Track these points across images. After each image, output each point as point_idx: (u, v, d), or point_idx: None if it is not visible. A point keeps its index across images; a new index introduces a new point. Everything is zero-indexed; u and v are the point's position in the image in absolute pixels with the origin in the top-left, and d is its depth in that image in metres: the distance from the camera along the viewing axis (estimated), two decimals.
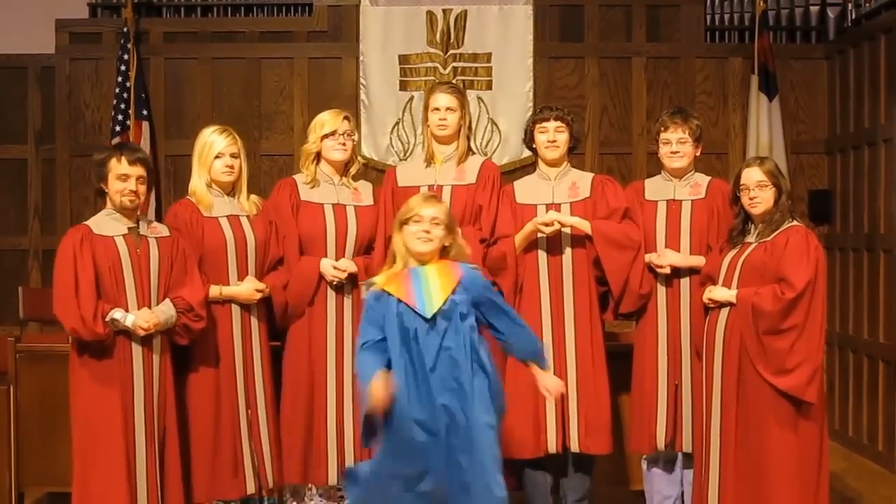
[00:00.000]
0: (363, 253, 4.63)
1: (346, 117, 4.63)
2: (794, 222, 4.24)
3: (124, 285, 4.11)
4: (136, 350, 4.11)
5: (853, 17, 6.83)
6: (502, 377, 3.92)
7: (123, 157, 4.17)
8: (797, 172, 7.01)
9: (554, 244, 4.49)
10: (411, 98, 6.94)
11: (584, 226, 4.46)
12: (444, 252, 3.69)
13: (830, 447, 6.49)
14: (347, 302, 4.57)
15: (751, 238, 4.27)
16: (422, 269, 3.65)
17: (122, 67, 6.78)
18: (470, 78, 6.97)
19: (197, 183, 4.48)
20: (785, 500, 4.08)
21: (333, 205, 4.61)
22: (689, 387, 4.47)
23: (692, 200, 4.55)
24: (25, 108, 7.11)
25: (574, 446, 4.45)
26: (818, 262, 4.12)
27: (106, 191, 4.21)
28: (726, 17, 7.19)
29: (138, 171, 4.17)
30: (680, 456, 4.58)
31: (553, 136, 4.56)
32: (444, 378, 3.55)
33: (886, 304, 6.13)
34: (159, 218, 5.78)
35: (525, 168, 6.68)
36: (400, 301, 3.61)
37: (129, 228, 4.18)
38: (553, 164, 4.62)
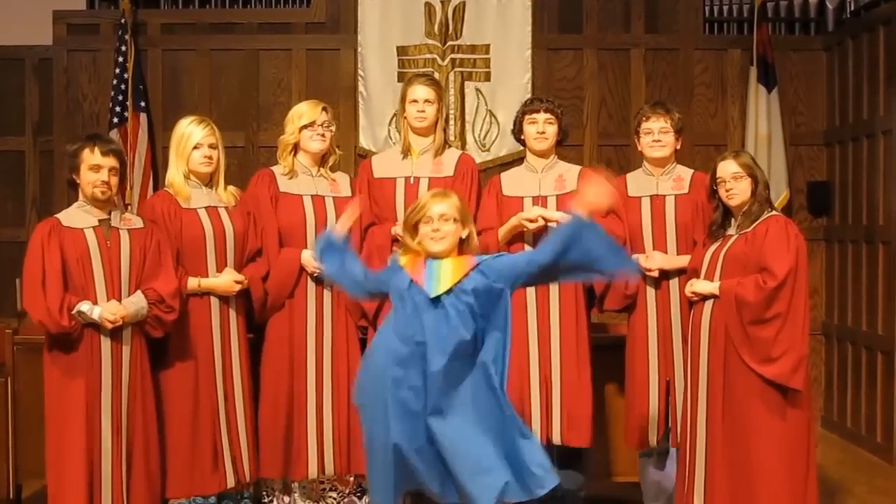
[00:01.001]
0: None
1: (324, 108, 4.62)
2: (774, 212, 4.27)
3: (94, 278, 4.08)
4: (105, 343, 4.08)
5: (852, 8, 6.82)
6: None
7: (96, 148, 4.13)
8: (796, 164, 7.01)
9: (539, 238, 4.48)
10: None
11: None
12: (461, 246, 3.66)
13: (829, 438, 6.58)
14: (328, 294, 4.57)
15: (731, 230, 4.29)
16: (437, 260, 3.62)
17: (120, 59, 6.76)
18: (468, 69, 6.96)
19: (174, 174, 4.46)
20: (773, 488, 4.09)
21: (312, 196, 4.60)
22: (682, 382, 4.46)
23: (676, 195, 4.56)
24: (23, 99, 7.09)
25: (556, 439, 4.47)
26: (798, 251, 4.13)
27: (78, 182, 4.18)
28: (725, 8, 7.17)
29: (111, 162, 4.13)
30: (673, 450, 4.59)
31: (542, 127, 4.57)
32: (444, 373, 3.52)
33: (885, 295, 6.14)
34: None
35: (523, 160, 6.67)
36: (412, 282, 3.59)
37: (99, 220, 4.14)
38: (541, 155, 4.62)
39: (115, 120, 6.74)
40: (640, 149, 4.66)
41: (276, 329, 4.57)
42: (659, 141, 4.56)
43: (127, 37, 6.77)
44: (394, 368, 3.52)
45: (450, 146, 4.83)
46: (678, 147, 4.64)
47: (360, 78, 6.98)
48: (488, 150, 6.94)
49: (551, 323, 4.50)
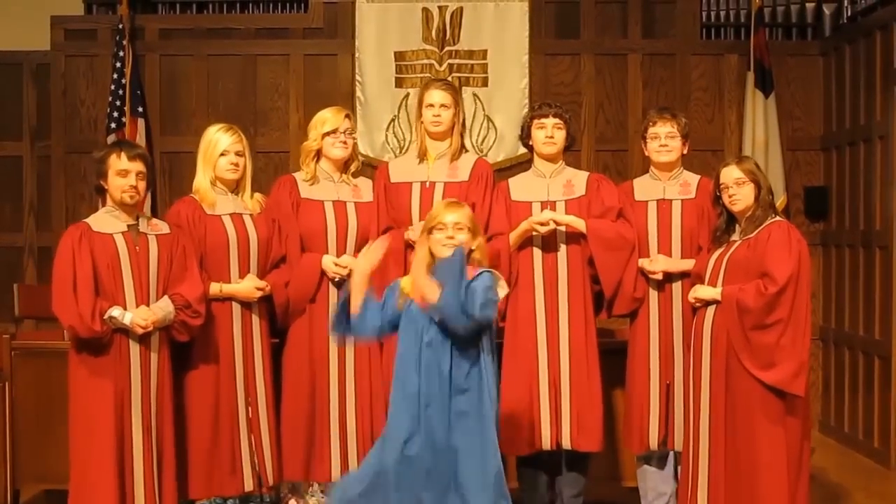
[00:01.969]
0: None
1: (347, 115, 4.65)
2: (777, 217, 4.27)
3: (123, 283, 4.12)
4: (134, 347, 4.12)
5: (849, 13, 6.84)
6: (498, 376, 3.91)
7: (123, 153, 4.18)
8: (793, 169, 7.02)
9: (549, 242, 4.50)
10: (407, 95, 6.94)
11: (579, 224, 4.47)
12: (470, 257, 3.70)
13: (826, 443, 6.59)
14: None
15: (735, 236, 4.29)
16: None
17: (118, 64, 6.77)
18: (466, 75, 6.97)
19: (201, 180, 4.50)
20: (775, 493, 4.09)
21: (334, 202, 4.62)
22: (682, 386, 4.47)
23: (682, 200, 4.56)
24: (21, 104, 7.11)
25: (566, 443, 4.47)
26: (800, 256, 4.13)
27: (105, 188, 4.21)
28: (722, 13, 7.19)
29: (138, 166, 4.18)
30: (672, 454, 4.60)
31: (551, 132, 4.57)
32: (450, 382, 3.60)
33: (881, 300, 6.14)
34: (155, 214, 5.79)
35: (521, 165, 6.65)
36: (412, 301, 3.66)
37: (128, 226, 4.19)
38: (549, 160, 4.62)
39: (113, 125, 6.75)
40: (646, 153, 4.67)
41: (297, 334, 4.59)
42: (665, 146, 4.57)
43: (124, 42, 6.78)
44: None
45: (467, 151, 4.83)
46: (685, 152, 4.65)
47: (357, 83, 6.99)
48: (485, 155, 6.92)
49: (560, 327, 4.49)
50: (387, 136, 6.94)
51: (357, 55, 6.98)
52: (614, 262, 4.50)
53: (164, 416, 4.21)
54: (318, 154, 4.66)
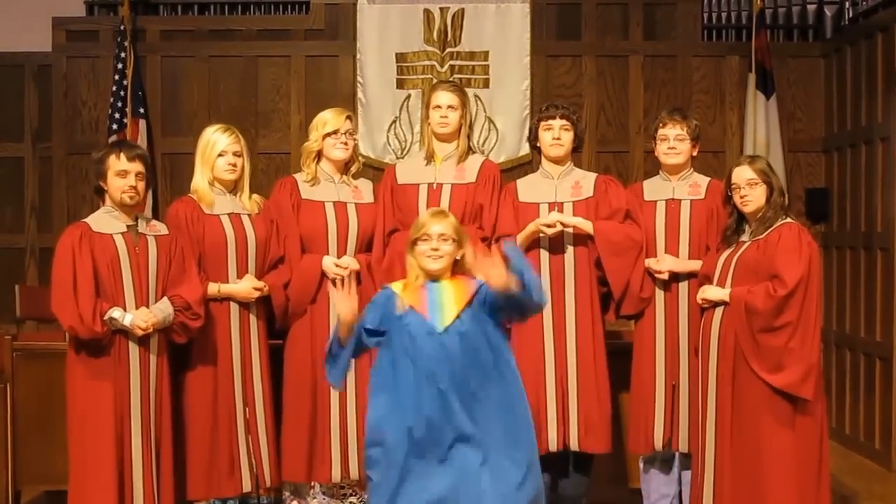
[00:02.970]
0: (365, 250, 4.64)
1: (348, 116, 4.65)
2: (788, 219, 4.25)
3: (122, 284, 4.10)
4: (133, 349, 4.11)
5: (850, 15, 6.84)
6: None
7: (122, 154, 4.16)
8: (794, 171, 7.02)
9: (556, 243, 4.50)
10: (408, 96, 6.94)
11: (587, 226, 4.47)
12: (456, 266, 3.67)
13: None
14: None
15: (745, 237, 4.27)
16: (437, 284, 3.64)
17: (119, 65, 6.77)
18: (467, 76, 6.97)
19: (199, 181, 4.49)
20: (782, 498, 4.07)
21: (334, 203, 4.62)
22: (687, 387, 4.47)
23: (691, 200, 4.56)
24: (22, 106, 7.10)
25: (574, 445, 4.46)
26: (811, 259, 4.11)
27: (105, 188, 4.20)
28: (723, 15, 7.20)
29: (137, 167, 4.16)
30: (677, 455, 4.59)
31: (558, 133, 4.57)
32: (456, 392, 3.53)
33: (883, 301, 6.14)
34: (157, 216, 5.79)
35: (522, 167, 6.70)
36: (411, 309, 3.60)
37: (127, 226, 4.18)
38: (557, 161, 4.62)
39: (115, 126, 6.75)
40: (656, 154, 4.66)
41: (298, 335, 4.58)
42: (674, 148, 4.57)
43: (126, 43, 6.78)
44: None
45: (474, 152, 4.82)
46: (695, 154, 4.64)
47: (358, 85, 6.99)
48: (486, 157, 6.93)
49: (567, 328, 4.49)
50: (388, 137, 6.94)
51: (358, 57, 6.99)
52: (622, 264, 4.49)
53: (163, 418, 4.20)
54: (319, 155, 4.66)
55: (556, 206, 4.54)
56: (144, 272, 4.15)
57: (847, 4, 6.88)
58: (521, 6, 6.97)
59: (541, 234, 4.48)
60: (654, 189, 4.65)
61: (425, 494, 3.48)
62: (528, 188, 4.65)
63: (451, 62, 6.97)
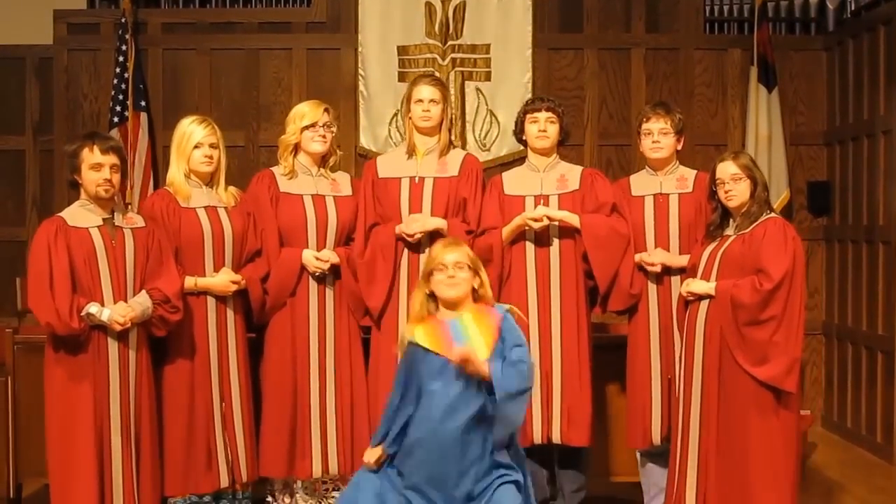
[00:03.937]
0: (343, 243, 4.64)
1: (326, 109, 4.62)
2: (772, 214, 4.26)
3: (100, 278, 4.06)
4: (112, 345, 4.07)
5: (852, 8, 6.82)
6: None
7: (96, 146, 4.10)
8: (796, 164, 7.01)
9: (542, 236, 4.51)
10: None
11: (573, 219, 4.47)
12: (475, 294, 3.64)
13: (829, 438, 6.60)
14: (330, 293, 4.59)
15: (729, 231, 4.28)
16: (459, 319, 3.59)
17: (121, 58, 6.76)
18: (469, 69, 6.96)
19: (175, 173, 4.46)
20: (767, 489, 4.08)
21: (313, 195, 4.60)
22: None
23: (679, 194, 4.56)
24: (23, 98, 7.10)
25: (556, 438, 4.48)
26: (795, 253, 4.12)
27: (79, 182, 4.15)
28: (725, 8, 7.17)
29: (111, 159, 4.10)
30: None
31: (544, 125, 4.58)
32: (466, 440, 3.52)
33: (885, 295, 6.14)
34: None
35: (524, 160, 6.67)
36: (428, 352, 3.55)
37: (103, 219, 4.13)
38: (543, 154, 4.63)
39: (116, 119, 6.74)
40: (641, 149, 4.66)
41: (277, 328, 4.57)
42: (658, 142, 4.57)
43: (127, 36, 6.77)
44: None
45: (455, 146, 4.82)
46: (679, 148, 4.64)
47: (360, 77, 6.98)
48: (489, 149, 6.94)
49: (552, 322, 4.50)
50: (389, 130, 6.93)
51: (360, 49, 6.98)
52: (608, 257, 4.50)
53: (143, 414, 4.16)
54: (297, 148, 4.64)
55: (541, 198, 4.55)
56: (122, 266, 4.10)
57: None
58: None
59: (527, 228, 4.48)
60: (641, 184, 4.65)
61: None
62: (514, 181, 4.66)
63: (453, 55, 6.96)
